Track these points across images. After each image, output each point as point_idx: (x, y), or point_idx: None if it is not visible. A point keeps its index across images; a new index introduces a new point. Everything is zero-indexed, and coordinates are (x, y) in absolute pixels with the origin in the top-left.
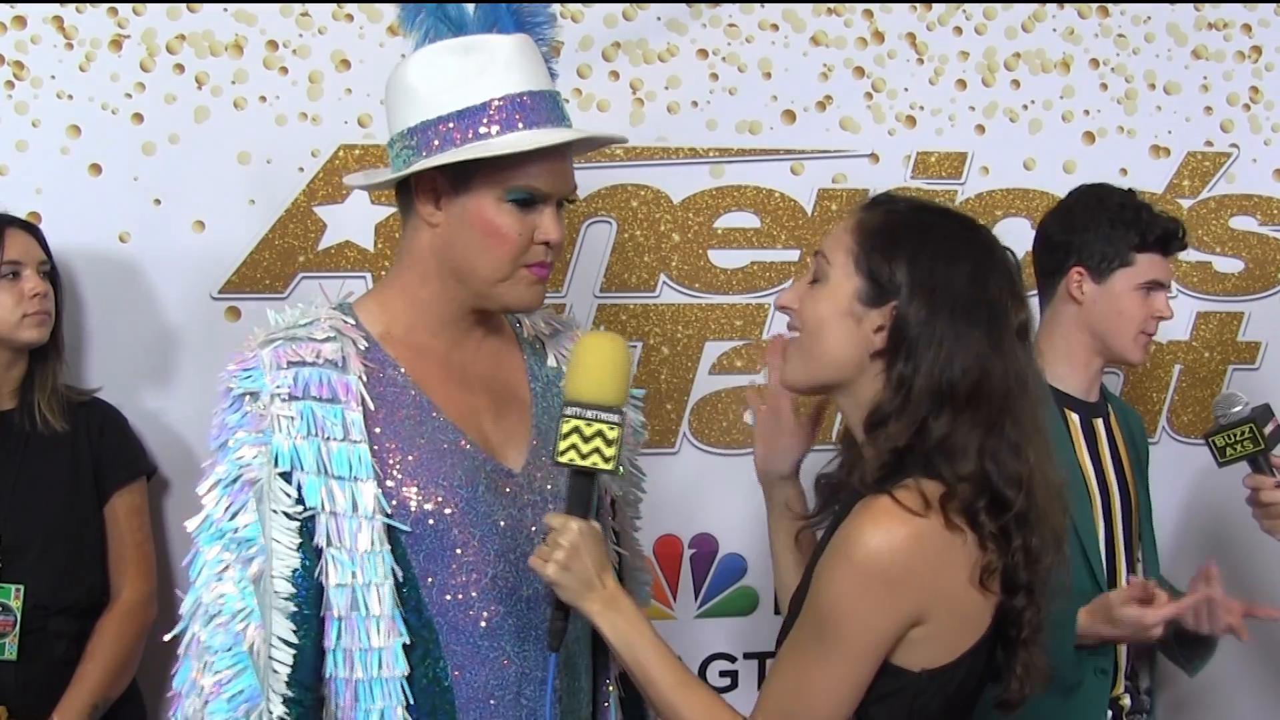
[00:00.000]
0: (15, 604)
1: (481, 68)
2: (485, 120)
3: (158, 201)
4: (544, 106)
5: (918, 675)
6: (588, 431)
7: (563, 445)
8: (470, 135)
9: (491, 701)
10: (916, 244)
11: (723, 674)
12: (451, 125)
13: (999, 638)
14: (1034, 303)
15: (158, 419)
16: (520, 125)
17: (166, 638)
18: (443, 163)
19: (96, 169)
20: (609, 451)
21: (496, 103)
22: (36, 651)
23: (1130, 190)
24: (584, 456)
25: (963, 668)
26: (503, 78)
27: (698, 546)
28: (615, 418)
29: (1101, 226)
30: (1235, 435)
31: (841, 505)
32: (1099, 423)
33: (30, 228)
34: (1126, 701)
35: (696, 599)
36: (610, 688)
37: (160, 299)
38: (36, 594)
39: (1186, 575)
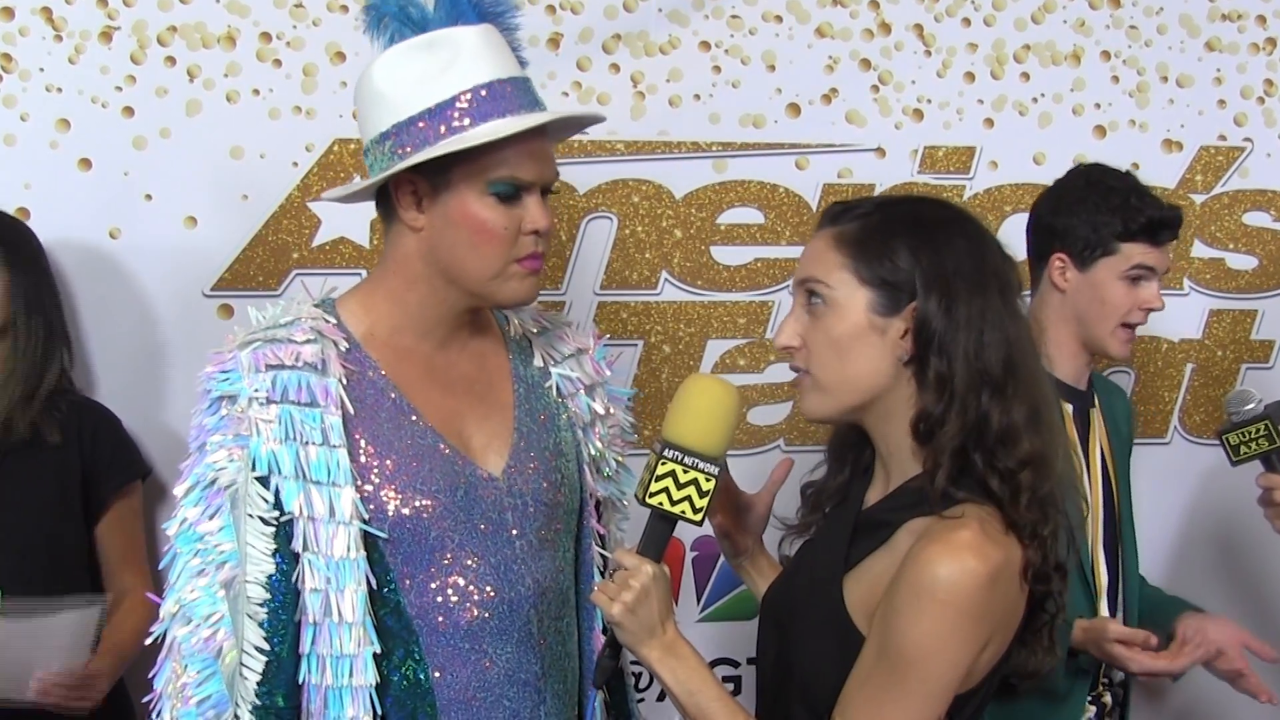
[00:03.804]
0: None
1: (447, 62)
2: (457, 114)
3: (149, 197)
4: (516, 93)
5: None
6: (683, 478)
7: (655, 487)
8: (444, 131)
9: (474, 703)
10: (911, 236)
11: (726, 679)
12: (424, 124)
13: (1030, 618)
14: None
15: (148, 418)
16: (493, 115)
17: (147, 641)
18: (418, 161)
19: (86, 164)
20: (700, 503)
21: (466, 94)
22: None
23: (1127, 172)
24: (674, 502)
25: (984, 686)
26: (470, 69)
27: (700, 549)
28: (714, 469)
29: (1087, 211)
30: (1250, 433)
31: (839, 511)
32: (1093, 413)
33: None
34: (1108, 699)
35: (699, 603)
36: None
37: (151, 296)
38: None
39: (1196, 577)
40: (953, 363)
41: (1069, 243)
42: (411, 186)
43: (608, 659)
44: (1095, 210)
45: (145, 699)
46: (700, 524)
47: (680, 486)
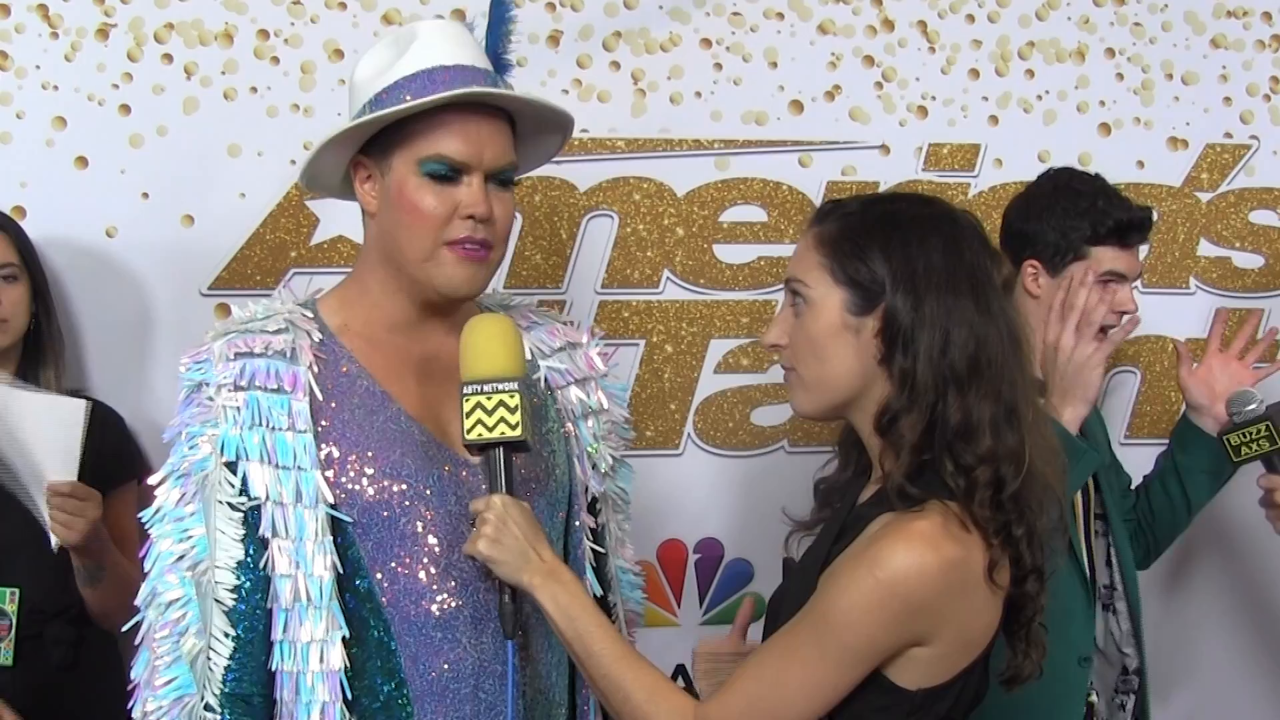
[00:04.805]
0: (10, 608)
1: (402, 51)
2: (399, 95)
3: (146, 195)
4: (460, 77)
5: (913, 693)
6: (489, 404)
7: (468, 424)
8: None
9: (448, 694)
10: (884, 236)
11: None
12: (374, 107)
13: (1009, 620)
14: None
15: (144, 417)
16: (426, 94)
17: (125, 627)
18: (339, 131)
19: (83, 162)
20: (514, 419)
21: (409, 78)
22: (33, 657)
23: (1095, 175)
24: (490, 429)
25: (957, 685)
26: (419, 56)
27: (702, 551)
28: (512, 385)
29: (1055, 217)
30: (1251, 434)
31: (839, 509)
32: None
33: (2, 224)
34: (1094, 698)
35: (701, 606)
36: (590, 691)
37: (148, 295)
38: (32, 598)
39: (1196, 576)
40: (916, 360)
41: (1039, 249)
42: (366, 171)
43: (506, 603)
44: (1063, 216)
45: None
46: (522, 438)
47: (490, 412)
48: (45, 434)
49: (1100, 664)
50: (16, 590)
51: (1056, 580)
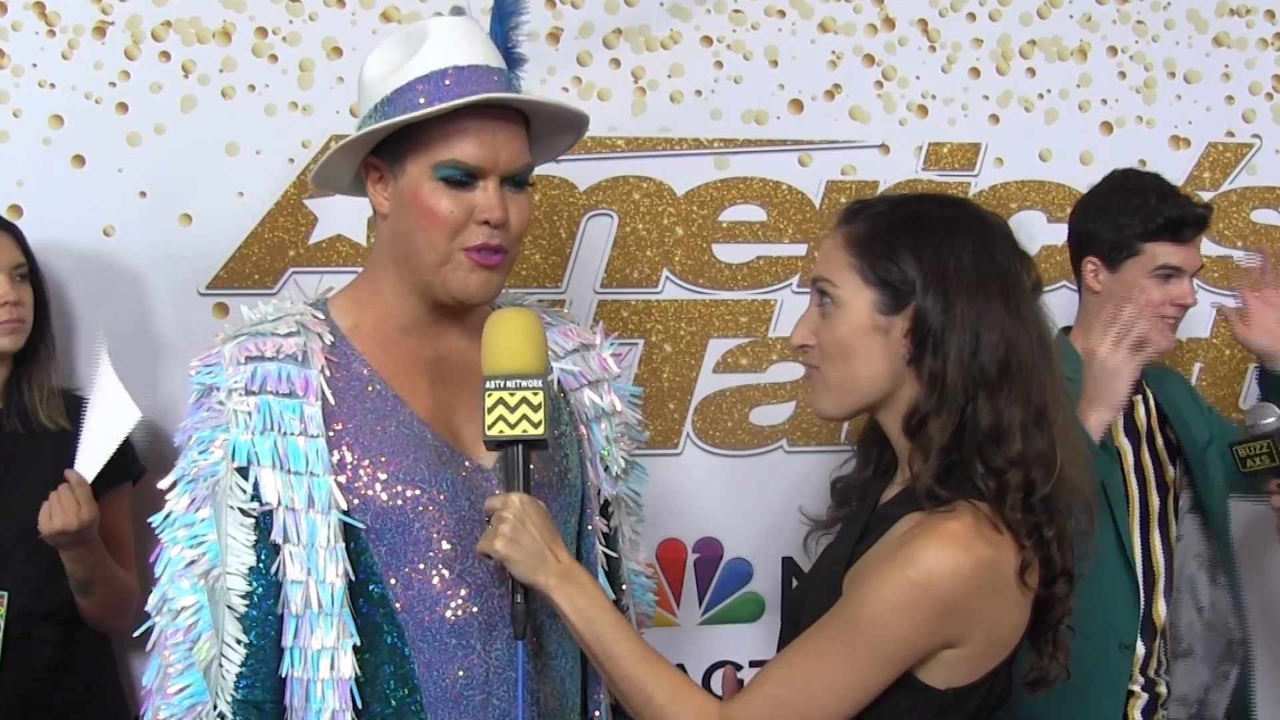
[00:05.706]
0: None
1: (414, 49)
2: (412, 97)
3: (143, 194)
4: (475, 79)
5: (943, 693)
6: (512, 401)
7: (490, 419)
8: (397, 113)
9: (461, 701)
10: (914, 236)
11: None
12: (387, 108)
13: (1036, 623)
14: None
15: (142, 417)
16: (440, 99)
17: (136, 633)
18: (355, 136)
19: (80, 160)
20: (536, 417)
21: (423, 79)
22: (21, 659)
23: (1153, 174)
24: (512, 426)
25: (985, 685)
26: (432, 56)
27: (702, 551)
28: (536, 383)
29: (1110, 215)
30: (1256, 448)
31: (859, 509)
32: (1137, 399)
33: (7, 226)
34: (1163, 689)
35: (700, 605)
36: (603, 696)
37: (146, 294)
38: (21, 600)
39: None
40: (946, 362)
41: (1097, 246)
42: (379, 173)
43: (518, 604)
44: (1118, 213)
45: (141, 692)
46: (544, 436)
47: (512, 409)
48: (95, 418)
49: (1207, 634)
50: (4, 593)
51: (1100, 568)
